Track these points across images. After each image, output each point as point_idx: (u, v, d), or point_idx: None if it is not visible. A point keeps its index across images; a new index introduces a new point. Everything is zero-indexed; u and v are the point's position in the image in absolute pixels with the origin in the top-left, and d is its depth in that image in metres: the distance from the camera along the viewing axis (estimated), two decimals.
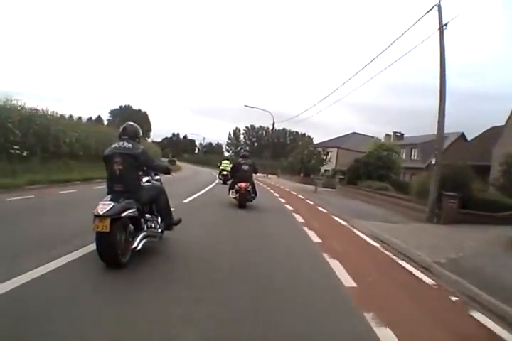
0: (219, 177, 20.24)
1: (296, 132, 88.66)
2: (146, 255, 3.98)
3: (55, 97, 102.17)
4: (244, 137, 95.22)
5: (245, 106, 37.99)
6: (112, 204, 3.49)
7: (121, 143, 3.91)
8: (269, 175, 37.47)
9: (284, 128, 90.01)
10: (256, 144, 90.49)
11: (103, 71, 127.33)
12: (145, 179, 4.33)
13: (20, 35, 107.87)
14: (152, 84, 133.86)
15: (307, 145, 37.94)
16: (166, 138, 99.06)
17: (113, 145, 3.90)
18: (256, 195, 9.86)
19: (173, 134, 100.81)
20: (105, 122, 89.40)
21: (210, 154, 76.66)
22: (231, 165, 11.51)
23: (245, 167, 9.78)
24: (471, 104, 72.11)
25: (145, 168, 4.19)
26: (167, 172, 4.43)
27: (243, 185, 9.31)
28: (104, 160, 3.86)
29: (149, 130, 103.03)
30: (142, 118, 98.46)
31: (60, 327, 2.29)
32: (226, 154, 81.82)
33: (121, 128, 4.06)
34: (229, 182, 14.83)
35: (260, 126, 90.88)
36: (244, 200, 9.31)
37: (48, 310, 2.52)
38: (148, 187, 4.15)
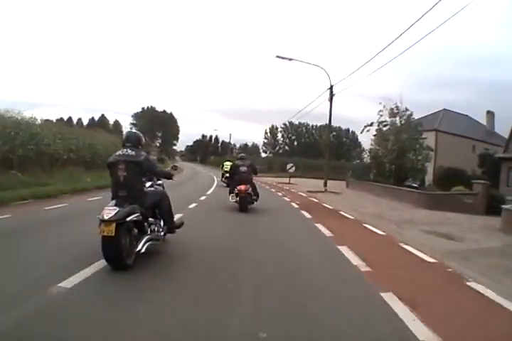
0: (222, 180, 19.40)
1: (340, 127, 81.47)
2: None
3: (83, 106, 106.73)
4: (283, 135, 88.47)
5: (277, 56, 21.09)
6: (117, 209, 3.81)
7: (124, 150, 4.28)
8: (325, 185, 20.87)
9: (326, 124, 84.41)
10: (296, 143, 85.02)
11: (121, 76, 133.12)
12: (148, 184, 4.73)
13: (34, 39, 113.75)
14: (174, 88, 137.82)
15: (409, 125, 19.98)
16: (197, 140, 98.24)
17: (117, 153, 4.29)
18: (258, 196, 9.80)
19: (203, 136, 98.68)
20: (128, 127, 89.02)
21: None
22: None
23: (243, 168, 9.68)
24: None
25: (148, 174, 4.39)
26: (169, 177, 4.71)
27: (243, 187, 9.22)
28: (109, 167, 4.25)
29: (177, 133, 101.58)
30: (169, 120, 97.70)
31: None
32: (263, 155, 78.43)
33: (124, 136, 4.51)
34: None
35: (299, 123, 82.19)
36: (246, 203, 9.25)
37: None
38: (151, 192, 4.52)
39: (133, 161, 4.15)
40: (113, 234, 3.67)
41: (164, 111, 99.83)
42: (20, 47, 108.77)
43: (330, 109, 21.08)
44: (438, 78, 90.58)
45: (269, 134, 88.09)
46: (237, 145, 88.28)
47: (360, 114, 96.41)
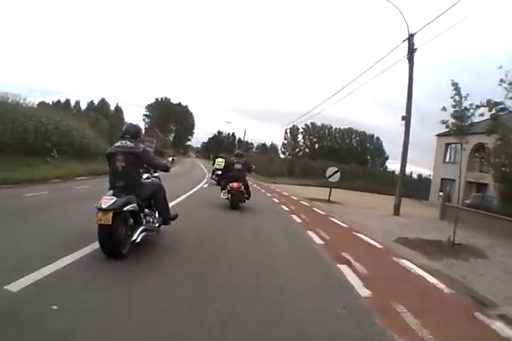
0: (212, 178, 18.04)
1: (364, 133, 79.13)
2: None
3: (99, 95, 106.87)
4: (304, 137, 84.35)
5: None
6: (115, 198, 3.99)
7: (123, 141, 4.47)
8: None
9: (350, 128, 79.88)
10: (317, 146, 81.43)
11: (141, 69, 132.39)
12: (145, 176, 4.93)
13: (53, 28, 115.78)
14: (194, 84, 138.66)
15: None
16: (212, 136, 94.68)
17: (116, 144, 4.49)
18: (250, 195, 9.94)
19: (219, 132, 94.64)
20: (140, 119, 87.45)
21: (260, 155, 66.37)
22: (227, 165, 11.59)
23: (238, 166, 9.82)
24: None
25: (145, 166, 4.53)
26: (166, 170, 4.82)
27: (235, 184, 9.32)
28: (107, 157, 4.45)
29: (192, 127, 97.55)
30: (183, 112, 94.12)
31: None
32: (282, 156, 74.10)
33: (124, 127, 4.71)
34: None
35: (322, 125, 79.69)
36: (237, 201, 9.38)
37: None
38: (148, 184, 4.71)
39: (131, 152, 4.35)
40: (110, 223, 3.83)
41: (179, 104, 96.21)
42: (41, 36, 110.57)
43: (410, 70, 14.06)
44: None
45: (289, 135, 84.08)
46: (255, 145, 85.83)
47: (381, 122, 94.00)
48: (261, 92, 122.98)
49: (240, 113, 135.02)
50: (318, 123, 78.10)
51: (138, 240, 4.25)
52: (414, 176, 37.97)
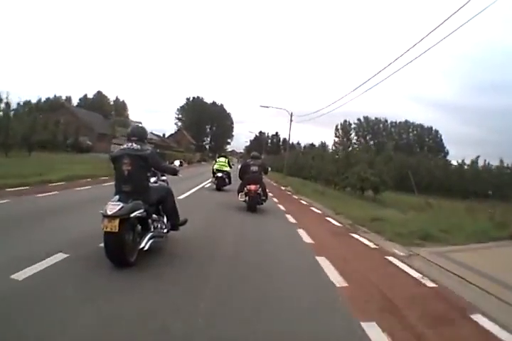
0: (212, 181, 15.07)
1: (421, 125, 72.43)
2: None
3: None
4: (357, 133, 76.94)
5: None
6: (121, 204, 3.95)
7: (129, 144, 4.47)
8: None
9: (406, 121, 73.09)
10: (373, 142, 74.32)
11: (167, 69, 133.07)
12: (152, 179, 4.92)
13: (88, 33, 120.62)
14: (237, 90, 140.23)
15: None
16: (254, 138, 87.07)
17: (122, 147, 4.52)
18: (267, 197, 10.29)
19: (260, 132, 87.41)
20: (173, 123, 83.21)
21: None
22: (239, 166, 11.35)
23: (254, 168, 10.08)
24: None
25: (153, 169, 4.36)
26: (175, 173, 4.74)
27: (252, 187, 9.55)
28: (113, 160, 4.46)
29: (231, 129, 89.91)
30: (220, 113, 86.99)
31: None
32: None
33: (129, 129, 4.71)
34: (226, 187, 14.18)
35: (376, 118, 73.51)
36: (255, 203, 9.66)
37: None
38: (156, 188, 4.77)
39: (138, 155, 4.35)
40: (117, 230, 3.81)
41: (214, 103, 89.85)
42: (75, 41, 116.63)
43: None
44: None
45: (340, 131, 77.31)
46: (302, 145, 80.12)
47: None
48: (305, 94, 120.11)
49: (284, 116, 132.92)
50: (372, 117, 73.02)
51: (146, 247, 4.25)
52: None
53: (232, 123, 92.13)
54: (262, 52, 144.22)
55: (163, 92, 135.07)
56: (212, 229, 6.67)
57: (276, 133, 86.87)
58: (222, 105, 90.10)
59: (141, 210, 4.14)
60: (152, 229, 4.45)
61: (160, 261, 4.43)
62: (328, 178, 28.90)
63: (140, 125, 4.80)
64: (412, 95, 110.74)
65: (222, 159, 15.24)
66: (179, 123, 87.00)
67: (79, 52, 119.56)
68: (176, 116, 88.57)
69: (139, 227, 4.25)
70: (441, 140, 73.09)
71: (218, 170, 14.52)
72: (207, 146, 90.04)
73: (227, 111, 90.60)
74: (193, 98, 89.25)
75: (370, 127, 75.43)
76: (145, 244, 4.18)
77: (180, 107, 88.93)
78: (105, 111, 50.31)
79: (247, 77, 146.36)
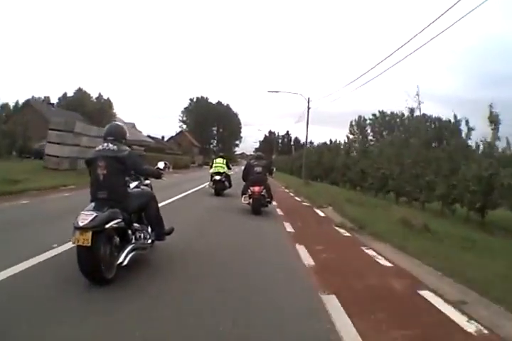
0: (210, 186, 13.44)
1: (439, 119, 67.22)
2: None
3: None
4: (372, 129, 72.46)
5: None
6: (94, 214, 3.54)
7: (105, 144, 4.07)
8: None
9: (423, 114, 68.42)
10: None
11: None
12: (133, 184, 4.50)
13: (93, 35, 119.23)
14: (244, 90, 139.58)
15: None
16: (264, 138, 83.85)
17: (97, 148, 4.12)
18: (272, 199, 9.97)
19: (270, 132, 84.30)
20: (178, 125, 79.88)
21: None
22: (243, 167, 10.77)
23: (258, 168, 9.74)
24: None
25: (133, 173, 3.88)
26: (158, 176, 4.34)
27: (256, 188, 9.28)
28: (87, 164, 4.08)
29: (239, 130, 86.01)
30: (226, 113, 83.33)
31: None
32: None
33: (106, 128, 4.30)
34: (226, 191, 13.34)
35: (392, 113, 67.89)
36: (259, 206, 9.34)
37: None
38: (137, 194, 4.37)
39: (114, 157, 3.95)
40: (89, 244, 3.40)
41: (220, 103, 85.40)
42: (75, 40, 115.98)
43: None
44: None
45: (355, 128, 72.36)
46: (315, 143, 78.39)
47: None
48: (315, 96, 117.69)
49: (293, 117, 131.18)
50: (388, 111, 68.06)
51: (125, 262, 3.80)
52: None
53: (240, 123, 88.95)
54: (264, 49, 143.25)
55: (168, 97, 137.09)
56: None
57: (287, 132, 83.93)
58: (228, 105, 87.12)
59: (119, 220, 3.74)
60: (133, 241, 4.02)
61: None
62: (400, 189, 16.83)
63: (118, 123, 4.28)
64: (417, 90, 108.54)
65: (220, 160, 13.70)
66: (184, 126, 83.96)
67: (75, 53, 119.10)
68: (180, 118, 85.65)
69: (117, 239, 3.82)
70: (461, 133, 69.35)
71: (216, 173, 13.09)
72: (215, 149, 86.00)
73: (234, 111, 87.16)
74: (197, 98, 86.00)
75: (386, 122, 70.66)
76: (123, 258, 3.73)
77: (185, 109, 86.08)
78: (87, 111, 43.55)
79: (249, 77, 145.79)
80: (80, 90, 48.35)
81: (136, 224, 4.19)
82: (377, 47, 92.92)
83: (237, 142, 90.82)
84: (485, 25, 68.31)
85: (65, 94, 49.81)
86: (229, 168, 13.56)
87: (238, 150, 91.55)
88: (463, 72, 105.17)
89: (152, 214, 4.32)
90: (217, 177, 12.90)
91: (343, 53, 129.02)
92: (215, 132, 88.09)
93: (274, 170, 11.12)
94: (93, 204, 3.77)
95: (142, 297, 3.43)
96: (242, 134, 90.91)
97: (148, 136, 56.73)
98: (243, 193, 9.67)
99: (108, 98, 47.99)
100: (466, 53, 57.21)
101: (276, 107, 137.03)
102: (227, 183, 13.21)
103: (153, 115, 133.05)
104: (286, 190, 18.76)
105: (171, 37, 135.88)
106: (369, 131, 72.21)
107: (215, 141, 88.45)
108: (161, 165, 4.61)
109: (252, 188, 9.24)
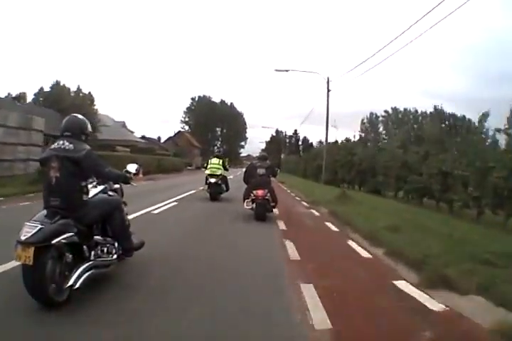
0: (205, 190, 12.12)
1: (452, 114, 60.08)
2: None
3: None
4: (384, 126, 69.11)
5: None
6: (39, 226, 2.98)
7: (61, 142, 3.44)
8: None
9: (437, 109, 61.79)
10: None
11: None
12: (96, 190, 3.84)
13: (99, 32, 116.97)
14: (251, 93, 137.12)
15: None
16: (272, 136, 78.64)
17: (52, 146, 3.49)
18: (276, 202, 9.22)
19: (277, 131, 78.19)
20: (180, 126, 76.44)
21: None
22: (244, 169, 10.29)
23: (261, 170, 9.15)
24: None
25: (96, 176, 3.47)
26: (126, 181, 3.90)
27: (260, 192, 8.63)
28: (41, 164, 3.51)
29: (243, 130, 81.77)
30: (230, 112, 79.43)
31: None
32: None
33: (63, 122, 3.62)
34: (222, 195, 12.24)
35: (405, 109, 64.75)
36: (263, 211, 8.70)
37: None
38: (97, 202, 3.67)
39: (68, 157, 3.34)
40: (31, 263, 2.86)
41: (223, 102, 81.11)
42: (75, 40, 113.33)
43: None
44: None
45: (367, 124, 68.89)
46: (320, 142, 74.56)
47: None
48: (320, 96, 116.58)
49: (299, 117, 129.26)
50: (401, 108, 65.29)
51: (77, 285, 3.15)
52: None
53: (245, 123, 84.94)
54: (265, 46, 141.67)
55: (172, 100, 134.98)
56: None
57: (295, 131, 76.46)
58: (232, 104, 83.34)
59: (70, 234, 3.13)
60: (92, 257, 3.40)
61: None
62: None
63: (76, 115, 3.63)
64: (423, 90, 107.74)
65: (215, 160, 12.24)
66: (186, 127, 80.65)
67: (69, 48, 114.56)
68: (183, 119, 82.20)
69: (70, 257, 3.19)
70: (475, 127, 66.10)
71: (211, 175, 11.69)
72: (220, 150, 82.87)
73: (238, 110, 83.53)
74: (199, 97, 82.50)
75: (398, 119, 67.40)
76: (74, 281, 3.09)
77: (187, 108, 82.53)
78: (63, 107, 36.24)
79: (251, 77, 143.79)
80: (57, 84, 40.58)
81: (98, 237, 3.58)
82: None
83: (243, 143, 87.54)
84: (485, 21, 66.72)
85: (41, 89, 41.98)
86: (226, 170, 12.30)
87: (244, 152, 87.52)
88: (466, 71, 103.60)
89: (117, 226, 3.67)
90: (213, 180, 11.59)
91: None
92: (219, 133, 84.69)
93: (278, 171, 10.56)
94: (44, 212, 3.22)
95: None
96: (247, 135, 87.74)
97: (143, 137, 54.60)
98: (245, 198, 9.01)
99: (89, 92, 40.31)
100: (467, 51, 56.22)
101: (282, 108, 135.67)
102: (223, 186, 11.93)
103: (160, 120, 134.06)
104: (314, 211, 10.70)
105: (170, 31, 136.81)
106: (381, 128, 69.15)
107: (219, 142, 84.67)
108: (131, 167, 3.97)
109: (255, 192, 8.63)
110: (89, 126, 3.65)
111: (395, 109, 66.00)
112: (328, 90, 21.44)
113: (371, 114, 68.18)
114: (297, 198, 14.88)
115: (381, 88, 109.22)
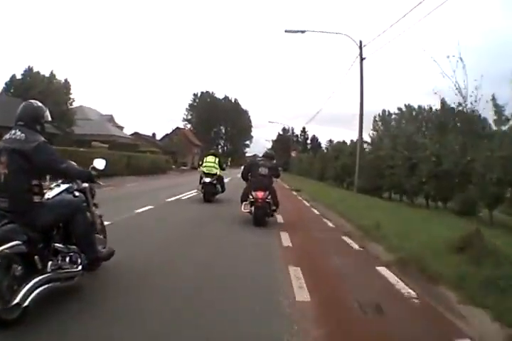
0: (199, 189, 11.45)
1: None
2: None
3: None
4: (397, 124, 65.39)
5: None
6: None
7: (12, 132, 3.01)
8: None
9: (452, 108, 49.81)
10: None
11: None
12: (57, 190, 3.31)
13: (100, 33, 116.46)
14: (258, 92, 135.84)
15: None
16: (279, 135, 75.06)
17: (4, 137, 3.04)
18: (277, 206, 8.57)
19: (284, 129, 73.25)
20: (182, 122, 74.12)
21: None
22: (243, 166, 9.51)
23: (263, 170, 8.31)
24: None
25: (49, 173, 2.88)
26: (89, 178, 3.37)
27: (260, 194, 7.90)
28: None
29: (248, 128, 79.10)
30: (234, 109, 76.69)
31: None
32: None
33: (18, 110, 3.12)
34: (217, 196, 11.41)
35: (419, 106, 60.21)
36: (263, 215, 7.97)
37: None
38: (54, 204, 3.13)
39: (17, 150, 2.88)
40: None
41: (227, 98, 78.25)
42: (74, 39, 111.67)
43: None
44: None
45: (380, 123, 65.20)
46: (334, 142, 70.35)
47: None
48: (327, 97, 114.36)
49: (305, 117, 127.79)
50: (415, 105, 61.77)
51: (25, 303, 2.65)
52: None
53: (250, 121, 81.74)
54: (266, 43, 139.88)
55: (176, 100, 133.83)
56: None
57: (304, 128, 71.84)
58: (236, 100, 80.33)
59: (17, 242, 2.67)
60: (49, 269, 2.90)
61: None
62: None
63: (32, 101, 3.17)
64: (429, 90, 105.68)
65: (211, 158, 11.40)
66: (188, 126, 77.23)
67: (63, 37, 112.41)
68: (185, 117, 79.23)
69: (19, 268, 2.70)
70: (490, 127, 63.44)
71: (207, 174, 10.94)
72: (224, 149, 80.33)
73: (243, 107, 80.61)
74: (202, 93, 78.88)
75: (412, 117, 63.63)
76: (21, 298, 2.59)
77: (189, 105, 79.15)
78: (32, 95, 25.45)
79: (254, 75, 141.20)
80: (30, 70, 34.54)
81: (59, 245, 3.09)
82: None
83: (248, 142, 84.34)
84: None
85: (13, 77, 35.70)
86: (222, 169, 11.48)
87: (249, 152, 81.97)
88: (467, 71, 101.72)
89: (79, 232, 3.15)
90: (208, 180, 10.83)
91: None
92: (223, 131, 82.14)
93: (281, 171, 10.29)
94: None
95: None
96: (252, 134, 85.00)
97: (136, 133, 51.06)
98: (243, 200, 8.31)
99: (66, 79, 34.50)
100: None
101: (288, 107, 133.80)
102: (219, 187, 11.18)
103: (168, 119, 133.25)
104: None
105: (170, 26, 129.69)
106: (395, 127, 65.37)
107: (223, 141, 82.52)
108: (98, 163, 3.46)
109: (254, 193, 7.88)
110: (47, 114, 3.14)
111: (408, 106, 63.07)
112: (362, 58, 15.61)
113: (383, 111, 65.45)
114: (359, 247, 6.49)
115: (381, 88, 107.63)
